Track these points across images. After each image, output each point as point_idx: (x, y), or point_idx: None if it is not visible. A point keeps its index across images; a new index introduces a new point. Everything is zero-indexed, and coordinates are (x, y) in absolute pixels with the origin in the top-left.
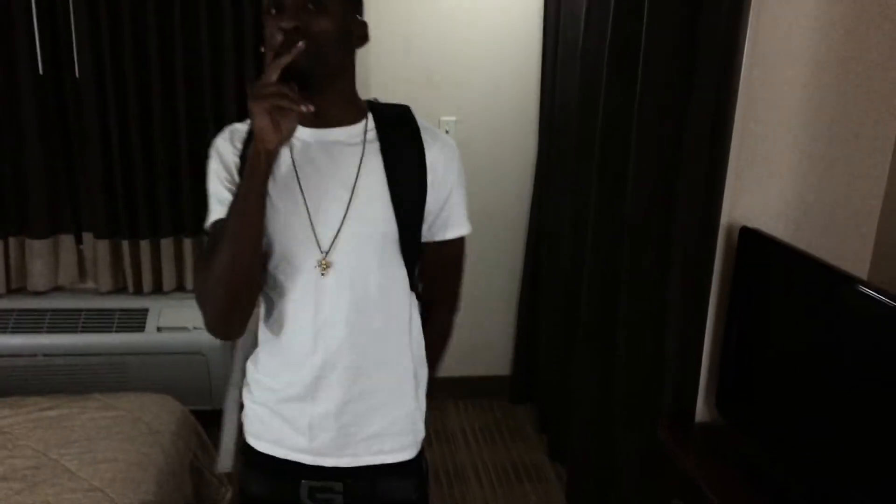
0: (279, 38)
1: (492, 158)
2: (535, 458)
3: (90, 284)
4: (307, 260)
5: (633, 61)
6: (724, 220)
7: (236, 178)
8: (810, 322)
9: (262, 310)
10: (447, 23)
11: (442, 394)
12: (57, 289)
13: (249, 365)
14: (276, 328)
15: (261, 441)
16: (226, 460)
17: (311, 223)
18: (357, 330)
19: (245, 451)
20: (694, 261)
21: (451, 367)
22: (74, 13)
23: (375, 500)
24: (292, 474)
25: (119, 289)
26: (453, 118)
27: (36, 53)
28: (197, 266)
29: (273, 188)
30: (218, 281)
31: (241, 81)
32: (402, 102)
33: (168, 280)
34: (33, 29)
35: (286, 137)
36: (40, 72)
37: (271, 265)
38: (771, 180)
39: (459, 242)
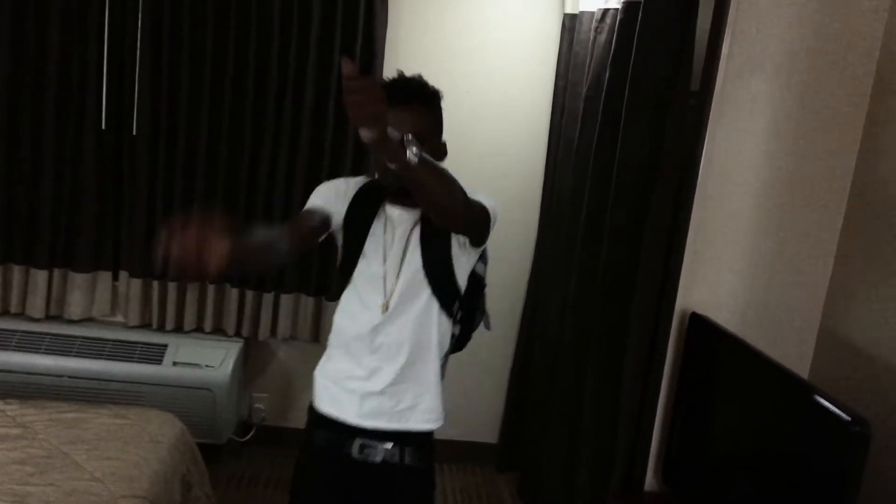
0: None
1: (497, 239)
2: None
3: (119, 318)
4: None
5: (611, 162)
6: (678, 305)
7: (336, 203)
8: (747, 407)
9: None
10: (467, 112)
11: None
12: (89, 319)
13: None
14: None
15: (325, 404)
16: None
17: (385, 270)
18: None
19: (312, 413)
20: (650, 341)
21: (442, 429)
22: (139, 80)
23: (401, 461)
24: (348, 432)
25: (145, 324)
26: None
27: (102, 110)
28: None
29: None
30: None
31: (277, 141)
32: None
33: (189, 320)
34: (102, 89)
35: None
36: (103, 127)
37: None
38: (721, 275)
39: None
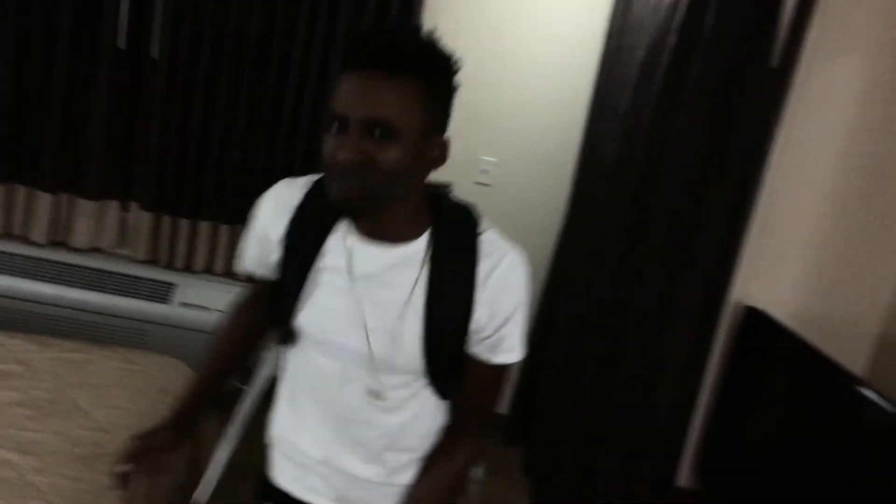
0: (337, 159)
1: (524, 203)
2: (517, 499)
3: (126, 251)
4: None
5: (668, 134)
6: (732, 298)
7: (272, 250)
8: (803, 410)
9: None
10: (497, 64)
11: None
12: (95, 249)
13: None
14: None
15: (288, 481)
16: (205, 491)
17: (368, 339)
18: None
19: (268, 486)
20: (696, 332)
21: None
22: None
23: None
24: None
25: (152, 260)
26: (494, 159)
27: (119, 28)
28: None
29: (329, 284)
30: None
31: (303, 81)
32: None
33: (199, 260)
34: (119, 5)
35: None
36: (121, 46)
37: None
38: (783, 270)
39: (503, 368)
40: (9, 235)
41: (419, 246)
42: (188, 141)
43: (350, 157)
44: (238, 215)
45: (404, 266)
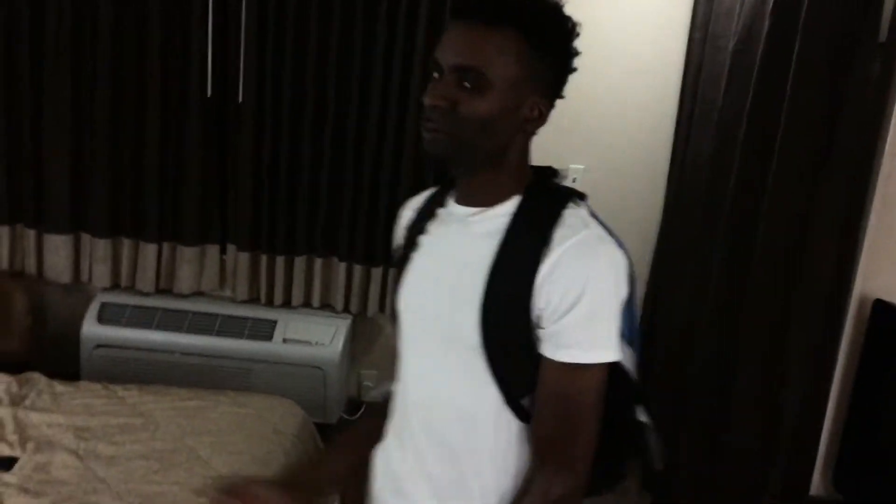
0: (424, 103)
1: (616, 211)
2: None
3: (227, 292)
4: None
5: (772, 128)
6: (857, 291)
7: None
8: None
9: None
10: (582, 68)
11: None
12: (198, 293)
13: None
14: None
15: None
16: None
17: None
18: (432, 433)
19: None
20: (821, 330)
21: None
22: (245, 45)
23: None
24: None
25: (252, 299)
26: (581, 166)
27: (207, 77)
28: None
29: (418, 254)
30: None
31: (383, 115)
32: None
33: (297, 295)
34: (207, 56)
35: None
36: (208, 94)
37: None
38: None
39: (576, 373)
40: (117, 287)
41: (503, 211)
42: (277, 180)
43: (434, 102)
44: (330, 247)
45: (483, 229)
